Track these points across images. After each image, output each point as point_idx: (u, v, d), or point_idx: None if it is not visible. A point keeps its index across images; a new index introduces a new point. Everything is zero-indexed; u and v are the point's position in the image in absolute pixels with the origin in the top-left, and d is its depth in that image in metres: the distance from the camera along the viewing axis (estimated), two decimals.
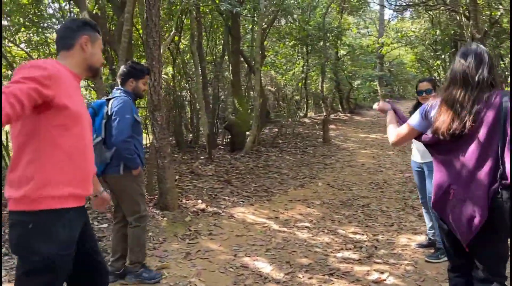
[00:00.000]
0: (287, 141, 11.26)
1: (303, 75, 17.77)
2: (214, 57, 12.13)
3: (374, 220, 5.05)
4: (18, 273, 1.68)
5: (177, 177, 6.75)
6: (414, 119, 2.20)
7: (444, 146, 2.08)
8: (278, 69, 15.21)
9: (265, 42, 13.64)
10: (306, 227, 4.75)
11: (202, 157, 8.60)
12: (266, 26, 12.24)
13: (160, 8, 10.13)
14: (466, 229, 1.97)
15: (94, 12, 8.47)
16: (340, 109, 20.45)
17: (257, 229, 4.60)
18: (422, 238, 4.26)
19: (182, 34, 10.90)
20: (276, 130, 12.07)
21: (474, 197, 1.94)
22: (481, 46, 2.08)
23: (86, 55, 1.86)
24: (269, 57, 13.78)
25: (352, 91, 21.21)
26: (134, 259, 3.21)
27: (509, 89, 12.08)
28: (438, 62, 14.30)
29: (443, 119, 2.00)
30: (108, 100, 3.12)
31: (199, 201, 5.35)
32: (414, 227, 4.69)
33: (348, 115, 18.62)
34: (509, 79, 18.10)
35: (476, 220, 1.93)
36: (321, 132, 11.80)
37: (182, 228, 4.44)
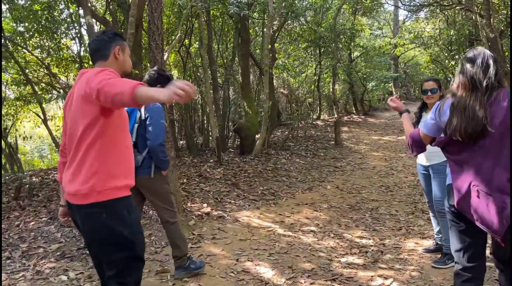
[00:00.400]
0: (298, 144, 11.17)
1: (315, 77, 17.69)
2: (225, 60, 12.14)
3: (382, 224, 4.95)
4: (106, 259, 1.97)
5: (184, 180, 6.76)
6: (426, 125, 2.28)
7: (458, 146, 2.14)
8: (290, 72, 15.12)
9: (276, 45, 13.60)
10: (312, 231, 4.68)
11: (211, 160, 8.59)
12: (276, 28, 12.21)
13: (171, 12, 10.23)
14: (499, 222, 1.97)
15: (105, 16, 8.58)
16: (354, 111, 20.26)
17: (262, 233, 4.54)
18: (429, 243, 4.15)
19: (192, 37, 10.97)
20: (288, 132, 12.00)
21: (500, 189, 1.99)
22: (486, 50, 2.16)
23: (119, 63, 2.10)
24: (280, 60, 13.73)
25: (366, 92, 21.00)
26: (179, 253, 3.37)
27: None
28: (453, 62, 14.02)
29: (459, 123, 2.07)
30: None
31: (205, 205, 5.33)
32: (422, 231, 4.58)
33: (362, 117, 18.42)
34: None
35: (507, 210, 1.95)
36: (333, 135, 11.68)
37: (185, 232, 4.40)
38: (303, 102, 18.87)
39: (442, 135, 2.21)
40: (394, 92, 26.47)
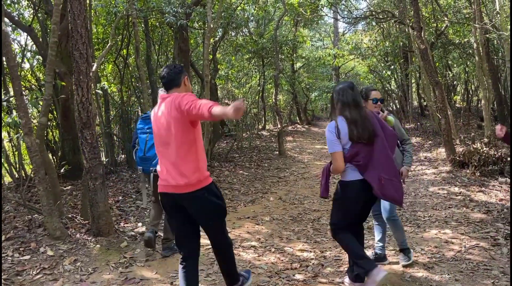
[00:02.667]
0: (243, 155, 11.06)
1: (259, 87, 17.75)
2: None
3: (324, 235, 4.89)
4: (213, 224, 2.84)
5: (120, 198, 6.37)
6: (334, 145, 2.97)
7: (360, 154, 2.94)
8: (233, 82, 15.04)
9: (218, 55, 13.48)
10: (252, 246, 4.52)
11: None
12: (217, 39, 12.09)
13: (105, 21, 9.78)
14: (400, 194, 2.96)
15: (33, 24, 8.02)
16: (298, 121, 20.56)
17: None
18: (368, 253, 4.12)
19: (130, 47, 10.56)
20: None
21: (395, 175, 2.95)
22: (346, 83, 3.11)
23: (187, 88, 2.83)
24: (223, 70, 13.61)
25: (309, 102, 21.42)
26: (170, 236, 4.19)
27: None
28: (389, 72, 14.62)
29: (357, 131, 2.92)
30: None
31: (139, 224, 5.00)
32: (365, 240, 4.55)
33: (306, 126, 18.73)
34: (458, 87, 18.83)
35: (401, 186, 3.00)
36: (277, 145, 11.69)
37: (116, 255, 4.09)
38: (248, 113, 18.89)
39: (345, 149, 2.98)
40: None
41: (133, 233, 4.69)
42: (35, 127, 5.58)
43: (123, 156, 11.46)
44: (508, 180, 7.14)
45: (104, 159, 10.29)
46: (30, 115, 4.54)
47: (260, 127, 18.03)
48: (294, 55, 18.88)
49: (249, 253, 4.30)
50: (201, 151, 2.73)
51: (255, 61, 17.47)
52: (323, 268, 3.87)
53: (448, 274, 3.57)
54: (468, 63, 16.56)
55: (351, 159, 2.93)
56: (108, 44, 5.41)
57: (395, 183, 2.90)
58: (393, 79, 16.38)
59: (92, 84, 4.60)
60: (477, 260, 3.80)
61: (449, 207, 5.75)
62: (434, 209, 5.69)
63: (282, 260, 4.10)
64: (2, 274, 3.55)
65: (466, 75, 18.60)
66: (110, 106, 10.68)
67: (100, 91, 4.85)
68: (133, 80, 11.37)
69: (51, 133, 8.74)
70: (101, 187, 4.26)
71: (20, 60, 8.27)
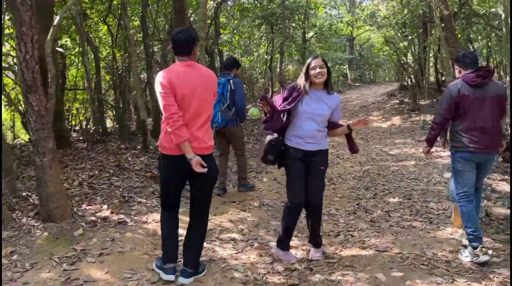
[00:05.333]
0: (244, 128, 10.27)
1: (267, 56, 16.77)
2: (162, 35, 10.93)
3: None
4: (208, 189, 3.09)
5: (96, 172, 5.71)
6: None
7: None
8: (236, 49, 14.09)
9: (222, 19, 12.51)
10: (232, 239, 3.82)
11: (139, 147, 7.55)
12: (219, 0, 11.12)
13: None
14: None
15: None
16: None
17: None
18: (369, 253, 3.40)
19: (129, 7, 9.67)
20: None
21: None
22: None
23: (194, 57, 2.96)
24: (226, 35, 12.65)
25: None
26: (244, 176, 5.30)
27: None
28: (406, 43, 13.52)
29: None
30: (228, 80, 4.86)
31: (105, 207, 4.33)
32: (363, 239, 3.82)
33: None
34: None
35: None
36: None
37: (64, 247, 3.42)
38: (255, 83, 17.97)
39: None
40: (349, 74, 26.03)
41: (93, 218, 4.01)
42: None
43: (115, 123, 10.81)
44: None
45: (91, 127, 9.64)
46: None
47: None
48: (306, 23, 17.78)
49: (226, 249, 3.61)
50: None
51: (264, 28, 16.44)
52: (312, 274, 3.16)
53: None
54: (491, 37, 15.34)
55: None
56: None
57: None
58: (410, 51, 15.24)
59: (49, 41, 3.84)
60: (503, 275, 3.04)
61: None
62: (449, 200, 4.91)
63: (264, 260, 3.40)
64: None
65: (488, 49, 17.36)
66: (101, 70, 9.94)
67: (61, 49, 4.09)
68: (126, 43, 10.56)
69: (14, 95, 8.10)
70: (50, 164, 3.57)
71: None
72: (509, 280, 2.96)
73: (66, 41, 4.13)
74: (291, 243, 3.75)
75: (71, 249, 3.39)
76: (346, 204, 4.93)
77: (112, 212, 4.17)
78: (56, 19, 4.28)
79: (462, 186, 3.42)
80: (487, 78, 3.28)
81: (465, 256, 3.31)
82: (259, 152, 7.70)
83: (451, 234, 3.88)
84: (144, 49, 9.50)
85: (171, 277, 2.96)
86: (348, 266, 3.26)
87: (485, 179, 5.73)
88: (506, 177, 5.85)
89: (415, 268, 3.18)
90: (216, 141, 4.77)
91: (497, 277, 3.00)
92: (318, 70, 3.20)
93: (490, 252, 3.38)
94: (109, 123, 10.87)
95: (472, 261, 3.22)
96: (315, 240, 3.48)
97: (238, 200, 5.00)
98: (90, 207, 4.28)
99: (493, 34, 14.43)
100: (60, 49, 4.11)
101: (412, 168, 6.60)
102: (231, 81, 4.84)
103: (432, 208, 4.65)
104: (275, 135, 3.42)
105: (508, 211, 4.48)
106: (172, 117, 2.71)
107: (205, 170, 2.78)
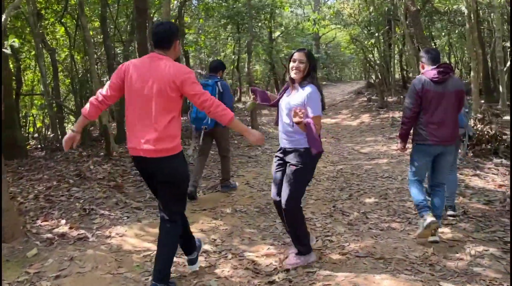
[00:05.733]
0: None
1: (234, 57, 16.54)
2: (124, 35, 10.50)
3: None
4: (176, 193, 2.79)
5: (54, 183, 5.29)
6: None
7: None
8: (202, 49, 13.78)
9: (186, 18, 12.18)
10: (204, 251, 3.55)
11: (102, 154, 7.14)
12: None
13: None
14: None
15: None
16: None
17: (134, 262, 3.32)
18: (351, 262, 3.22)
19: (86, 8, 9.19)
20: None
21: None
22: None
23: (175, 53, 2.79)
24: (191, 35, 12.31)
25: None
26: (227, 177, 5.27)
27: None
28: (372, 41, 13.60)
29: None
30: (216, 82, 4.86)
31: (63, 221, 3.96)
32: (342, 244, 3.64)
33: None
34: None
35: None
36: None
37: (15, 270, 3.06)
38: None
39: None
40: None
41: (49, 235, 3.64)
42: None
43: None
44: (504, 161, 6.36)
45: (49, 134, 9.12)
46: None
47: (235, 99, 16.92)
48: (272, 22, 17.65)
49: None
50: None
51: (230, 27, 16.20)
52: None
53: None
54: (452, 35, 15.70)
55: None
56: None
57: None
58: (376, 48, 15.39)
59: None
60: (489, 277, 2.93)
61: None
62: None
63: (239, 274, 3.16)
64: None
65: (449, 46, 17.79)
66: (59, 73, 9.41)
67: (7, 51, 3.68)
68: (85, 44, 10.05)
69: None
70: None
71: None
72: (496, 283, 2.84)
73: (14, 41, 3.71)
74: (267, 251, 3.54)
75: (23, 272, 3.03)
76: (322, 207, 4.76)
77: (71, 227, 3.81)
78: (3, 17, 3.87)
79: (415, 175, 3.67)
80: (448, 74, 3.45)
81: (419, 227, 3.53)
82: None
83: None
84: (105, 51, 9.06)
85: None
86: (329, 275, 3.06)
87: (458, 175, 5.72)
88: (478, 172, 5.85)
89: (399, 274, 3.02)
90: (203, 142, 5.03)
91: (483, 280, 2.88)
92: (294, 64, 3.08)
93: (472, 252, 3.28)
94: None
95: (424, 227, 3.41)
96: (296, 246, 3.27)
97: (209, 207, 4.73)
98: (46, 222, 3.90)
99: (456, 31, 14.76)
100: (7, 51, 3.70)
101: (385, 166, 6.53)
102: (218, 83, 4.89)
103: (409, 208, 4.54)
104: None
105: (486, 207, 4.43)
106: (96, 95, 2.75)
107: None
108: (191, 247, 3.06)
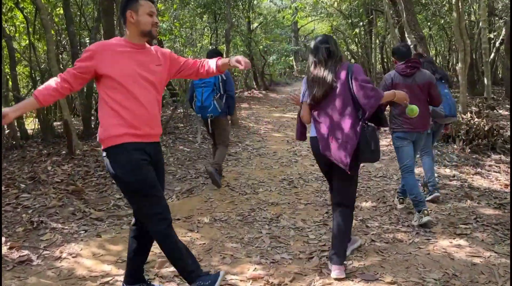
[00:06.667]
0: (189, 125, 9.30)
1: (211, 47, 15.77)
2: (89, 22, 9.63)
3: (285, 248, 3.36)
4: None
5: (2, 188, 4.52)
6: (303, 96, 3.02)
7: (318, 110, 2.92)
8: (177, 39, 13.00)
9: (160, 5, 11.35)
10: (177, 275, 2.91)
11: (64, 152, 6.36)
12: None
13: None
14: (345, 157, 2.72)
15: None
16: (255, 86, 18.83)
17: None
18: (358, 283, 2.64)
19: None
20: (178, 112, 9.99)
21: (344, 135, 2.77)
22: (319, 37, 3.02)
23: (135, 25, 2.30)
24: (165, 23, 11.49)
25: (267, 66, 19.67)
26: (220, 162, 5.00)
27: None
28: (357, 30, 13.10)
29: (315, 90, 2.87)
30: None
31: (2, 240, 3.24)
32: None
33: (263, 92, 17.06)
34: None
35: (349, 146, 2.70)
36: None
37: None
38: None
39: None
40: (295, 66, 25.75)
41: None
42: None
43: (37, 124, 9.38)
44: (503, 158, 5.93)
45: (5, 129, 8.22)
46: None
47: None
48: (251, 12, 16.99)
49: None
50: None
51: (207, 17, 15.44)
52: None
53: None
54: (432, 27, 15.42)
55: None
56: None
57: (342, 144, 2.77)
58: (357, 40, 14.94)
59: None
60: None
61: (448, 198, 4.40)
62: (428, 201, 4.29)
63: None
64: None
65: (430, 38, 17.54)
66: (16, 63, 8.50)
67: None
68: (52, 32, 9.15)
69: None
70: None
71: None
72: None
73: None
74: (254, 272, 2.92)
75: None
76: (314, 213, 4.17)
77: (11, 247, 3.10)
78: None
79: (403, 160, 3.84)
80: (416, 69, 3.74)
81: (414, 221, 3.69)
82: (207, 152, 6.79)
83: (444, 249, 3.22)
84: (68, 37, 8.21)
85: None
86: None
87: (458, 173, 5.24)
88: (479, 170, 5.39)
89: None
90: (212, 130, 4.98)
91: None
92: None
93: (501, 272, 2.75)
94: (31, 125, 9.39)
95: (419, 224, 3.59)
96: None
97: (183, 216, 4.08)
98: None
99: (437, 25, 14.44)
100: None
101: (378, 164, 6.00)
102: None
103: (411, 214, 3.99)
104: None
105: (499, 212, 3.93)
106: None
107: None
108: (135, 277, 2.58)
